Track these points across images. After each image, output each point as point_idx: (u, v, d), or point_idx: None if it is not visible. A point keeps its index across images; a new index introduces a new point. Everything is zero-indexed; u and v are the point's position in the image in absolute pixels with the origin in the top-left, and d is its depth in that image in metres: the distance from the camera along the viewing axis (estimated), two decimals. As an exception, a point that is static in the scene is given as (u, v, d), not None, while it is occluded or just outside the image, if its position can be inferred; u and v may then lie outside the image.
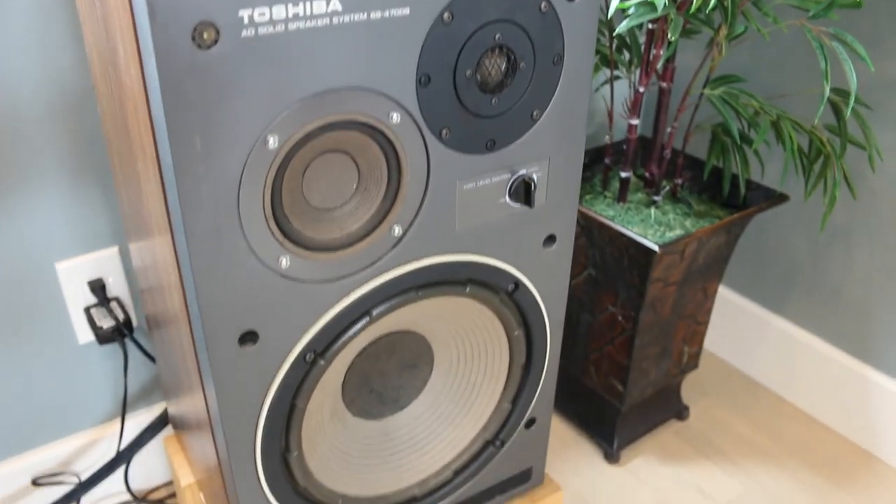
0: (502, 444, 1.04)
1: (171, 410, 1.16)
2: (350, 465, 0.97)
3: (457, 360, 0.99)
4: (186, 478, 1.10)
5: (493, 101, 0.80)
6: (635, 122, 1.20)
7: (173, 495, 1.31)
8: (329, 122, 0.73)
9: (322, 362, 0.84)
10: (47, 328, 1.16)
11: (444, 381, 1.00)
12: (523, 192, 0.87)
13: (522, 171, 0.86)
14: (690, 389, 1.59)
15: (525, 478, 1.11)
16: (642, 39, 1.21)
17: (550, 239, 0.93)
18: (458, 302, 0.92)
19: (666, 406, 1.47)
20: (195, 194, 0.69)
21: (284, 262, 0.78)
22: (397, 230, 0.82)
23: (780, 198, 1.25)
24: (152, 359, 1.23)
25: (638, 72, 1.20)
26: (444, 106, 0.77)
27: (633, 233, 1.17)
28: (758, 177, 1.47)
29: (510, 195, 0.87)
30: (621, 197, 1.28)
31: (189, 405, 0.97)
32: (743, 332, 1.61)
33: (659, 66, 1.12)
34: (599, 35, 1.29)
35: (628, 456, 1.43)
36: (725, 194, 1.28)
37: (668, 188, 1.30)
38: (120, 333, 1.18)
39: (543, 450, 1.10)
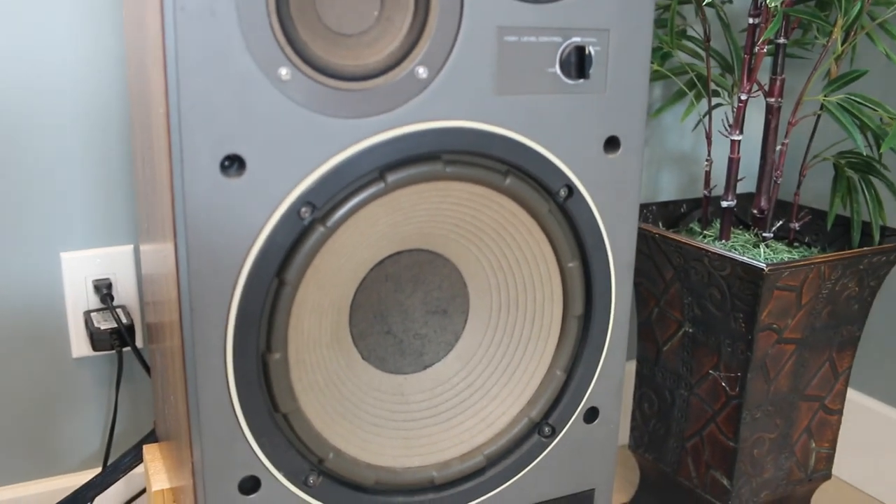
0: (553, 431, 0.84)
1: (158, 421, 1.00)
2: (351, 415, 0.79)
3: (497, 308, 0.83)
4: (160, 483, 0.92)
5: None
6: (738, 137, 1.09)
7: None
8: None
9: (322, 229, 0.71)
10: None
11: (481, 336, 0.84)
12: (576, 60, 0.77)
13: (576, 39, 0.77)
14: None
15: (585, 506, 0.87)
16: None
17: (613, 143, 0.81)
18: (497, 206, 0.78)
19: (789, 535, 1.19)
20: None
21: (284, 72, 0.69)
22: (422, 72, 0.73)
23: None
24: (148, 370, 1.09)
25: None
26: None
27: (735, 254, 1.01)
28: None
29: (561, 66, 0.77)
30: (723, 234, 1.12)
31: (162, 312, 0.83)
32: (882, 448, 1.32)
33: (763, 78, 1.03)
34: (696, 58, 1.21)
35: None
36: (855, 245, 1.11)
37: (780, 223, 1.14)
38: (121, 338, 1.06)
39: (610, 465, 0.87)
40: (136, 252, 1.10)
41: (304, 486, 0.77)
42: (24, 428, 1.09)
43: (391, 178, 0.73)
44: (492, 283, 0.83)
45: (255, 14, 0.67)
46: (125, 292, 1.10)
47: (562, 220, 0.80)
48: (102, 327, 1.06)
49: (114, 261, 1.08)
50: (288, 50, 0.69)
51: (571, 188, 0.80)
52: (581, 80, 0.78)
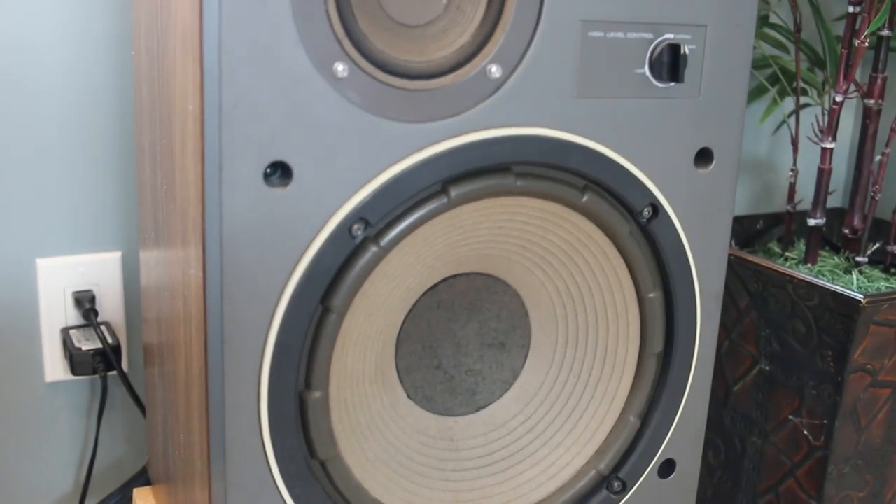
0: (623, 487, 0.85)
1: (153, 460, 1.01)
2: (394, 462, 0.81)
3: (563, 343, 0.85)
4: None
5: None
6: (830, 145, 1.11)
7: None
8: None
9: (375, 249, 0.73)
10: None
11: (543, 374, 0.86)
12: (669, 60, 0.78)
13: (669, 36, 0.78)
14: None
15: (655, 573, 0.89)
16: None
17: (705, 156, 0.83)
18: (570, 225, 0.80)
19: None
20: None
21: (341, 68, 0.71)
22: (495, 71, 0.74)
23: None
24: (141, 406, 1.10)
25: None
26: None
27: (825, 281, 1.03)
28: None
29: (651, 66, 0.79)
30: (809, 257, 1.15)
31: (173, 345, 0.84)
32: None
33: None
34: (781, 49, 1.23)
35: None
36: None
37: (877, 245, 1.16)
38: (105, 361, 1.07)
39: (685, 528, 0.89)
40: (126, 260, 1.11)
41: (341, 544, 0.78)
42: (-15, 462, 1.10)
43: (455, 191, 0.75)
44: (558, 314, 0.85)
45: (310, 0, 0.68)
46: (111, 307, 1.10)
47: (643, 244, 0.82)
48: (84, 348, 1.07)
49: (98, 270, 1.09)
50: (346, 42, 0.70)
51: (656, 207, 0.81)
52: (672, 84, 0.80)
